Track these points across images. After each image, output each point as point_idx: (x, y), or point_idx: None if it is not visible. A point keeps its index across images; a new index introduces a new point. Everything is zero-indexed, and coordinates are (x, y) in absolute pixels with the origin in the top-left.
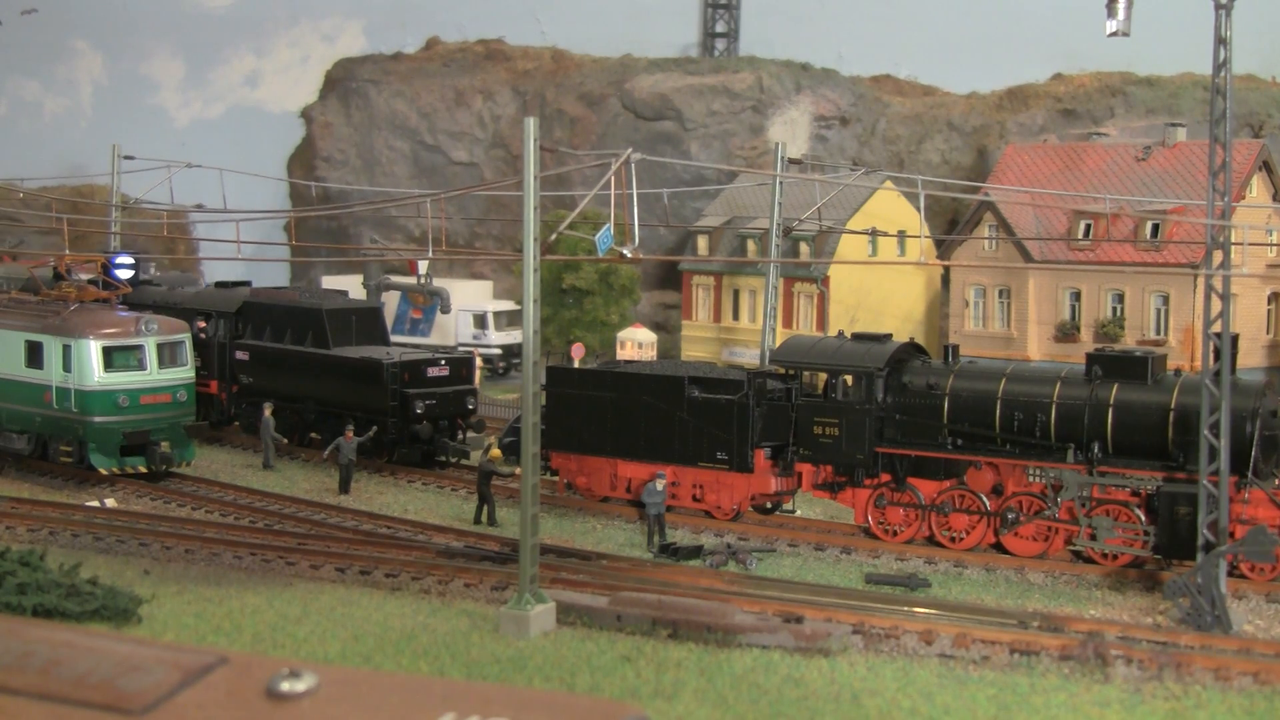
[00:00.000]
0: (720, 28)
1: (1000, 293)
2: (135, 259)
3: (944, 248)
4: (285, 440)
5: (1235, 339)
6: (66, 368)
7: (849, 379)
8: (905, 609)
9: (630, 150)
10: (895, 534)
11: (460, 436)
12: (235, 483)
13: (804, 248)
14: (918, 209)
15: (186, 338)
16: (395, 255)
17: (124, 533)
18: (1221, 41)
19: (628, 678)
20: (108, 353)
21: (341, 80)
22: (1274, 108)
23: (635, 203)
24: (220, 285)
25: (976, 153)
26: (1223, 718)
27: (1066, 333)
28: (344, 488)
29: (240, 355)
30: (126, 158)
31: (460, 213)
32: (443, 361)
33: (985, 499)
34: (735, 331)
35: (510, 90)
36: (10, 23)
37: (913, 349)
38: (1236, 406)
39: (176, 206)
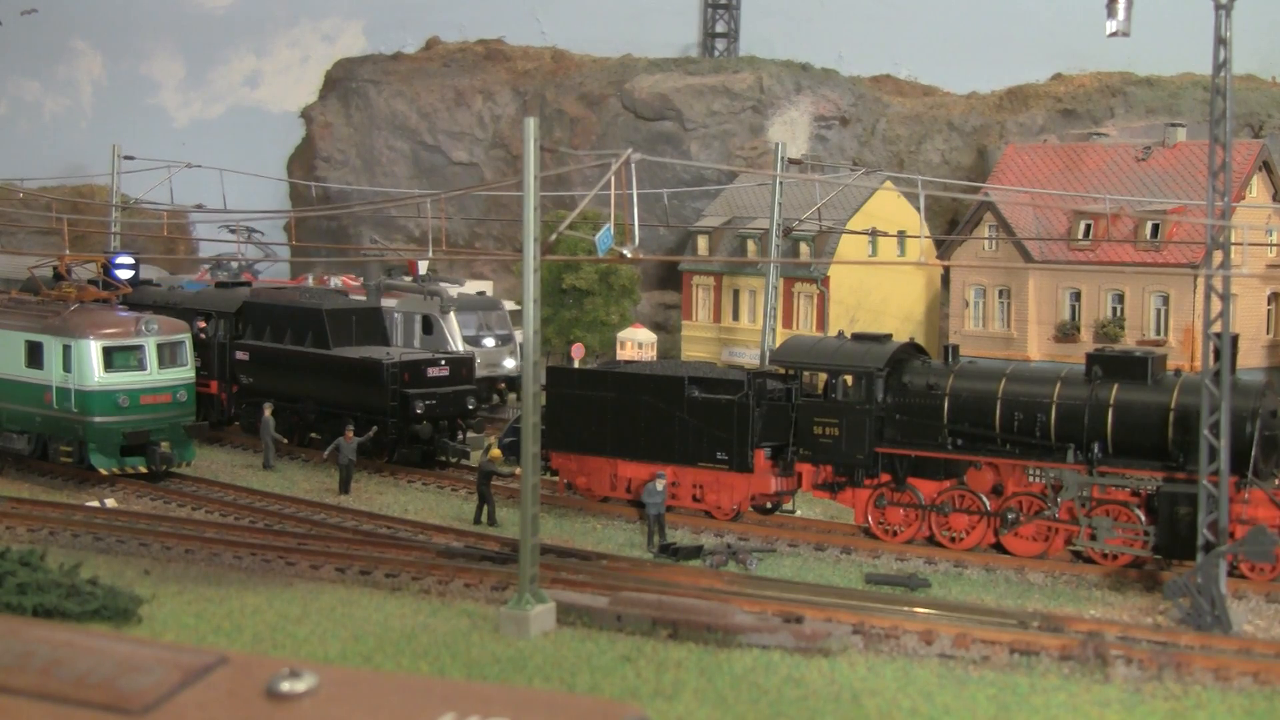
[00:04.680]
0: (720, 28)
1: (1000, 293)
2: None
3: (944, 248)
4: (285, 440)
5: (1235, 339)
6: (67, 368)
7: (849, 379)
8: (905, 609)
9: (630, 150)
10: (895, 534)
11: (460, 437)
12: (235, 483)
13: (804, 248)
14: (918, 209)
15: (186, 338)
16: (395, 255)
17: (124, 533)
18: (1221, 41)
19: (628, 678)
20: (108, 353)
21: (341, 80)
22: (1274, 108)
23: (635, 203)
24: (220, 285)
25: (976, 153)
26: (1223, 718)
27: (1066, 333)
28: (344, 488)
29: (240, 355)
30: (126, 158)
31: (460, 213)
32: (443, 362)
33: (985, 499)
34: (735, 332)
35: (510, 90)
36: (10, 23)
37: (913, 349)
38: (1236, 406)
39: (176, 206)
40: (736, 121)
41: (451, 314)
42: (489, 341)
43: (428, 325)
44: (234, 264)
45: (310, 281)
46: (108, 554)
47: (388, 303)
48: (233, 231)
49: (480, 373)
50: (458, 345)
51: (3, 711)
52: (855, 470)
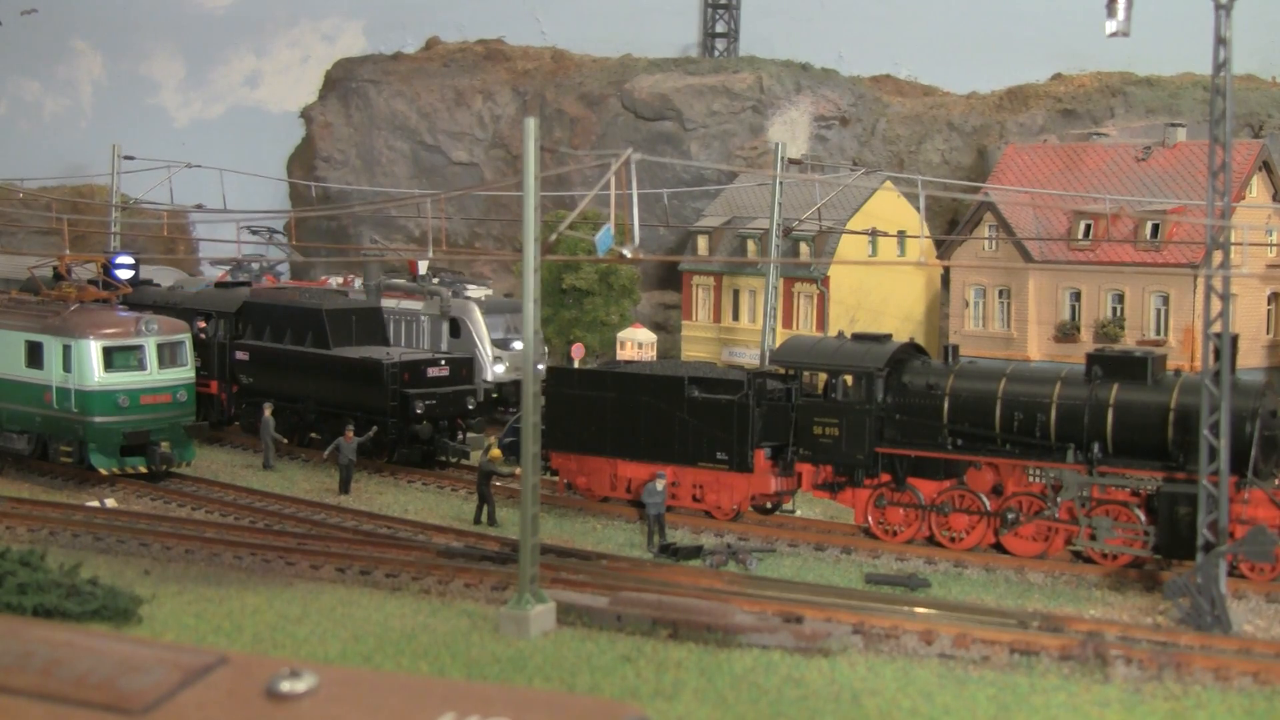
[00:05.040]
0: (720, 28)
1: (1000, 293)
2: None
3: (944, 248)
4: (285, 440)
5: (1235, 339)
6: (67, 368)
7: (849, 379)
8: (905, 609)
9: (630, 150)
10: (895, 534)
11: (460, 437)
12: (235, 483)
13: (804, 248)
14: (918, 209)
15: (186, 338)
16: (395, 255)
17: (124, 533)
18: (1221, 41)
19: (628, 678)
20: (108, 353)
21: (341, 80)
22: (1274, 108)
23: (635, 203)
24: (220, 285)
25: (976, 153)
26: (1223, 718)
27: (1066, 333)
28: (344, 488)
29: (240, 355)
30: (127, 158)
31: (460, 213)
32: (443, 362)
33: (985, 499)
34: (735, 332)
35: (510, 90)
36: (10, 23)
37: (913, 349)
38: (1236, 407)
39: (176, 206)
40: (736, 121)
41: (479, 315)
42: (518, 344)
43: (455, 328)
44: (255, 265)
45: (334, 284)
46: (108, 554)
47: (413, 305)
48: (255, 233)
49: (510, 376)
50: (486, 348)
51: (3, 711)
52: (855, 470)
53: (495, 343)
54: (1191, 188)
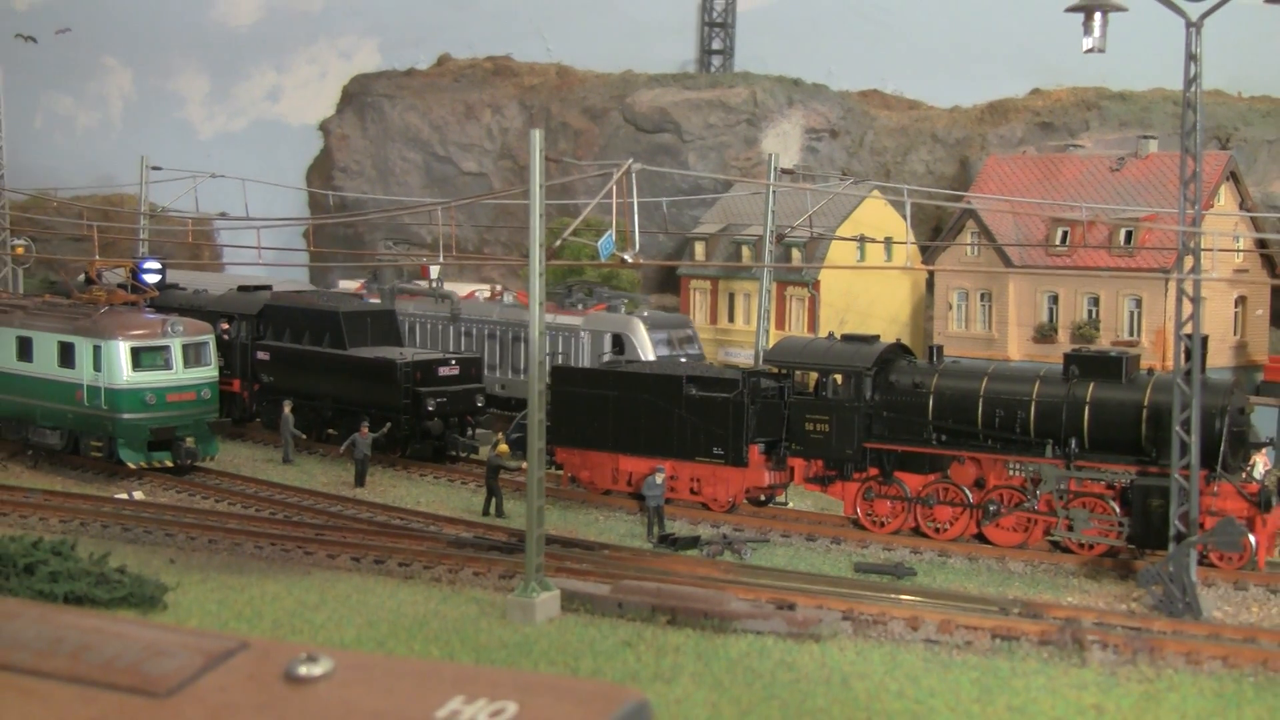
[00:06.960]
0: (716, 45)
1: (982, 296)
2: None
3: (928, 253)
4: (304, 436)
5: (1205, 340)
6: (97, 367)
7: (839, 378)
8: (892, 596)
9: (631, 161)
10: (883, 525)
11: (470, 433)
12: (256, 476)
13: (796, 253)
14: (903, 217)
15: (210, 339)
16: (408, 260)
17: (151, 524)
18: (1192, 57)
19: (628, 662)
20: (136, 353)
21: (358, 95)
22: (1240, 121)
23: (636, 211)
24: (243, 289)
25: (959, 163)
26: (1193, 699)
27: (1045, 334)
28: (359, 481)
29: (261, 355)
30: (154, 168)
31: (470, 220)
32: (453, 361)
33: (968, 492)
34: (731, 333)
35: (517, 104)
36: (46, 41)
37: (899, 349)
38: (1206, 404)
39: (201, 214)
40: (732, 133)
41: (643, 331)
42: (681, 359)
43: (618, 343)
44: (387, 271)
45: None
46: (135, 544)
47: (572, 321)
48: (394, 245)
49: None
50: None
51: (35, 694)
52: (845, 464)
53: (659, 358)
54: (1163, 196)
